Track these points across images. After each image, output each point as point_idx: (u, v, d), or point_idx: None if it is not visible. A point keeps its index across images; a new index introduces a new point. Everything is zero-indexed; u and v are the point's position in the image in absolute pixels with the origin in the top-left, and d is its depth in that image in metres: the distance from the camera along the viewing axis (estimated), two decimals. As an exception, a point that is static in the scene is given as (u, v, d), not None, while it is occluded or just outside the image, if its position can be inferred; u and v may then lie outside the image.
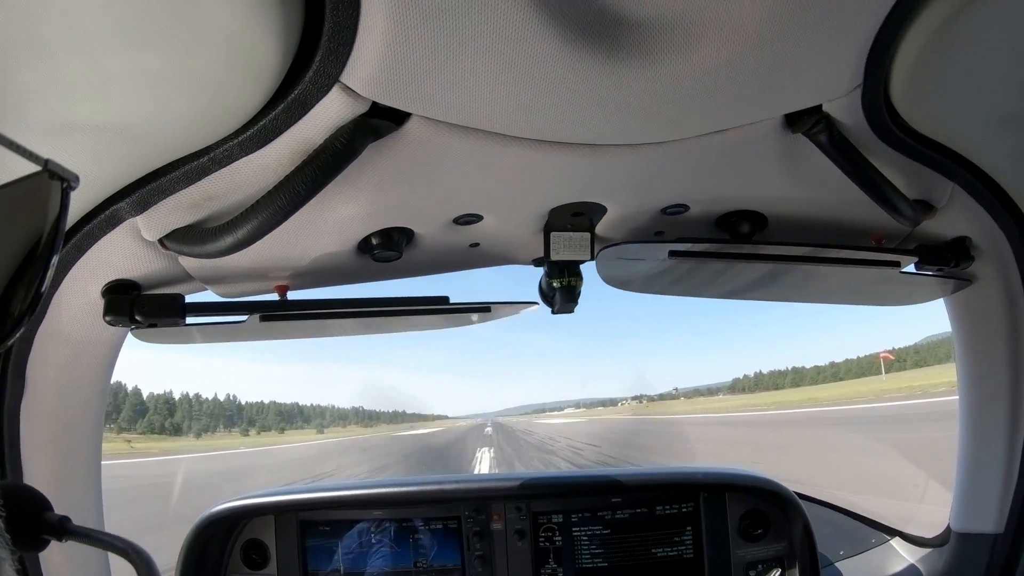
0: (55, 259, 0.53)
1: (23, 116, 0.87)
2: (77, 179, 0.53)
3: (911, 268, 1.66)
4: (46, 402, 1.51)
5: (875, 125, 1.19)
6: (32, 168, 0.51)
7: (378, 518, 2.31)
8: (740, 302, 1.93)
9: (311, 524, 2.30)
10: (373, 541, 2.30)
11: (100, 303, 1.45)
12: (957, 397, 1.96)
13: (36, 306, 0.52)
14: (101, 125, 0.95)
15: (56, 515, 1.07)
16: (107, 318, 1.44)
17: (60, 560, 1.57)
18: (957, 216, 1.55)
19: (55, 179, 0.52)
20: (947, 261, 1.62)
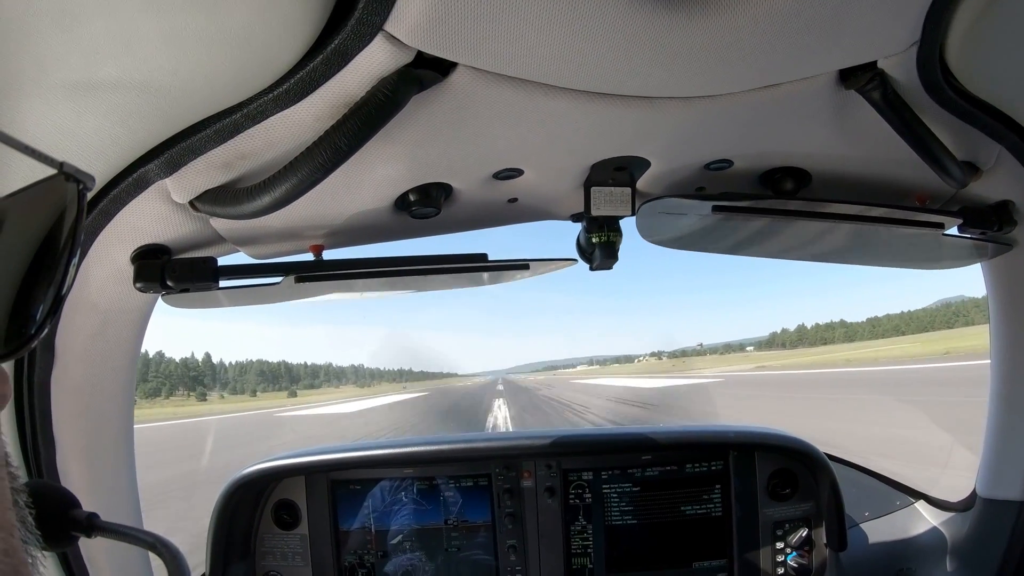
0: (75, 261, 0.53)
1: (46, 77, 0.84)
2: (93, 180, 0.53)
3: (953, 231, 1.65)
4: (76, 374, 1.51)
5: (928, 83, 1.17)
6: (48, 171, 0.51)
7: (409, 476, 2.33)
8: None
9: (342, 483, 2.33)
10: (404, 499, 2.34)
11: (129, 270, 1.43)
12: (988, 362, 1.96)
13: (58, 309, 0.52)
14: (127, 84, 0.92)
15: (84, 512, 1.08)
16: (138, 285, 1.42)
17: (100, 555, 1.59)
18: (1002, 180, 1.53)
19: (71, 181, 0.52)
20: (990, 225, 1.61)
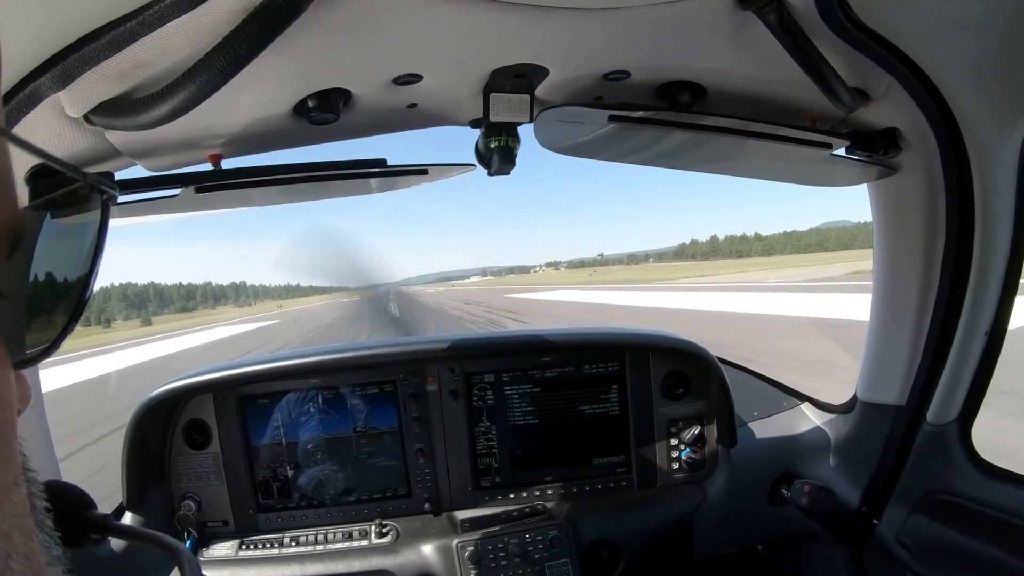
0: (98, 268, 0.52)
1: None
2: (118, 190, 0.53)
3: (841, 152, 1.73)
4: None
5: (824, 11, 1.20)
6: (73, 182, 0.52)
7: (316, 387, 2.37)
8: (682, 172, 1.96)
9: (250, 399, 2.35)
10: (311, 410, 2.37)
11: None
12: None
13: (79, 317, 0.51)
14: None
15: (100, 513, 1.08)
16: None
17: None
18: (890, 108, 1.60)
19: (95, 192, 0.52)
20: (876, 149, 1.69)
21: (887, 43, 1.33)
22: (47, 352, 0.51)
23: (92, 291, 0.52)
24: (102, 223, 0.53)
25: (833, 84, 1.38)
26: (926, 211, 1.80)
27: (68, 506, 1.05)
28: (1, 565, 0.39)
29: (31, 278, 0.50)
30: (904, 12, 1.26)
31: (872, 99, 1.56)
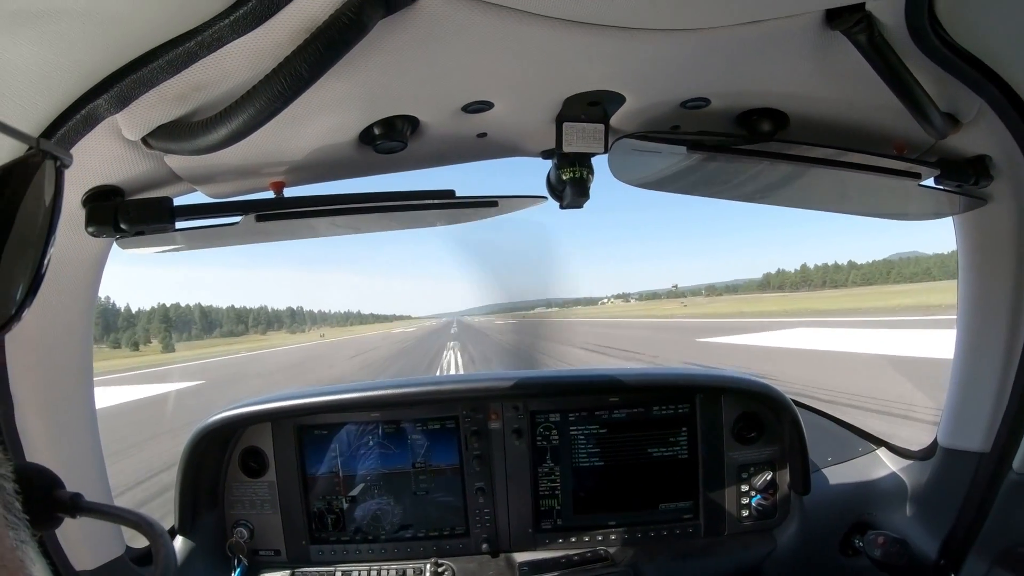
0: (53, 238, 0.52)
1: None
2: (71, 157, 0.52)
3: (929, 182, 1.65)
4: (29, 326, 1.47)
5: (914, 30, 1.15)
6: (22, 148, 0.50)
7: (376, 420, 2.33)
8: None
9: (308, 429, 2.33)
10: (371, 443, 2.34)
11: (81, 213, 1.37)
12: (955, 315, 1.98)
13: (37, 288, 0.52)
14: (70, 10, 0.85)
15: (68, 492, 1.07)
16: (89, 229, 1.36)
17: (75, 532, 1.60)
18: (981, 134, 1.52)
19: (48, 158, 0.51)
20: (967, 178, 1.60)
21: (979, 63, 1.26)
22: (8, 325, 0.50)
23: (48, 260, 0.51)
24: (56, 190, 0.51)
25: (925, 107, 1.31)
26: (1017, 244, 1.71)
27: (36, 487, 1.05)
28: None
29: None
30: (998, 31, 1.20)
31: (962, 124, 1.48)
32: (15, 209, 0.50)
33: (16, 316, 0.50)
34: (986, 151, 1.58)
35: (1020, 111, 1.41)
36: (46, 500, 1.04)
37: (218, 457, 2.31)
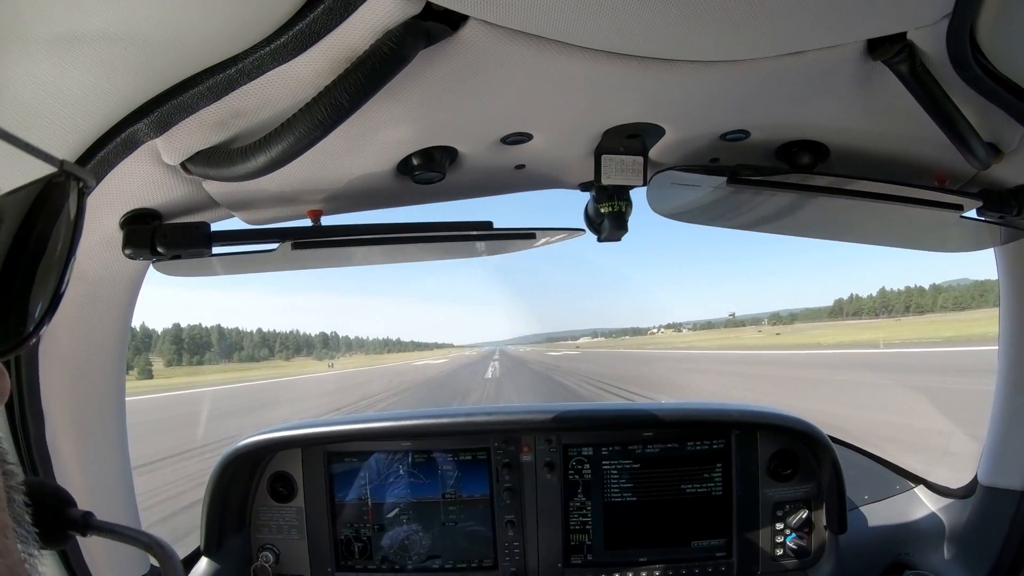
0: (74, 258, 0.53)
1: (26, 29, 0.80)
2: (94, 180, 0.53)
3: (972, 213, 1.62)
4: (64, 346, 1.49)
5: (956, 59, 1.13)
6: (48, 169, 0.51)
7: (407, 449, 2.33)
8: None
9: (338, 456, 2.33)
10: (401, 472, 2.33)
11: (118, 236, 1.39)
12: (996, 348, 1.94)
13: (56, 308, 0.53)
14: (113, 35, 0.86)
15: (79, 511, 1.07)
16: (127, 251, 1.38)
17: (99, 551, 1.59)
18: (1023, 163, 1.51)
19: (71, 179, 0.52)
20: (1010, 209, 1.58)
21: (1021, 92, 1.24)
22: (25, 342, 0.51)
23: (68, 281, 0.52)
24: (79, 211, 0.52)
25: (967, 137, 1.30)
26: None
27: (48, 504, 1.05)
28: None
29: (7, 268, 0.50)
30: None
31: (1004, 154, 1.46)
32: (38, 229, 0.51)
33: (33, 334, 0.50)
34: None
35: None
36: (57, 517, 1.05)
37: (247, 481, 2.31)
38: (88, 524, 1.07)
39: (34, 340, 0.51)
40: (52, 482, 1.09)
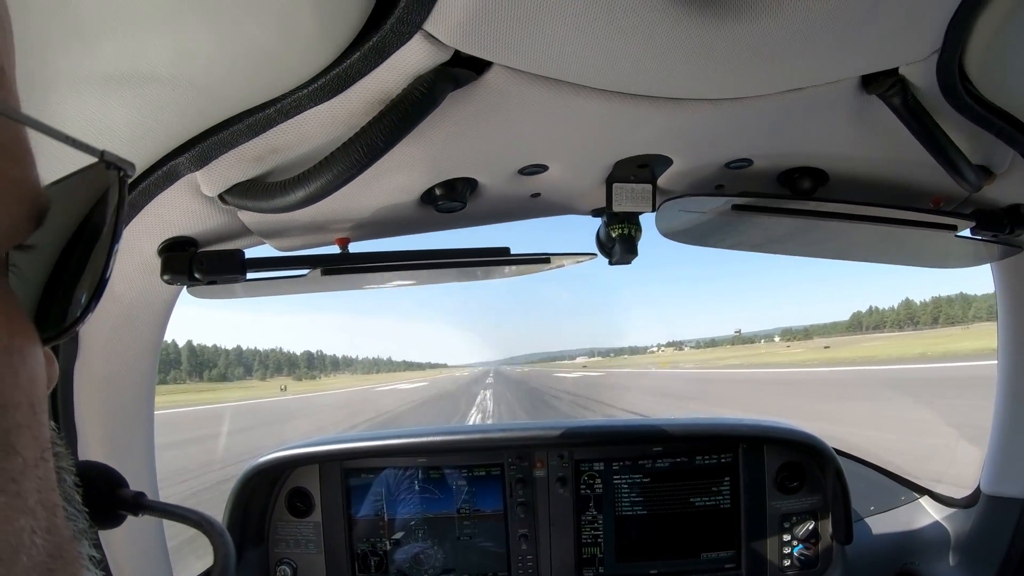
0: (117, 247, 0.53)
1: (79, 68, 0.84)
2: (134, 168, 0.55)
3: (966, 233, 1.68)
4: (98, 365, 1.52)
5: (946, 89, 1.18)
6: (89, 159, 0.52)
7: (422, 465, 2.36)
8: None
9: (355, 472, 2.36)
10: (416, 487, 2.37)
11: (156, 261, 1.44)
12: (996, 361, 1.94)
13: (101, 294, 0.53)
14: (162, 77, 0.91)
15: (131, 491, 1.08)
16: (165, 277, 1.43)
17: (122, 536, 1.61)
18: (1015, 183, 1.56)
19: (112, 169, 0.52)
20: (1002, 227, 1.64)
21: (1010, 117, 1.30)
22: (72, 328, 0.52)
23: (112, 268, 0.53)
24: (120, 200, 0.53)
25: (958, 163, 1.35)
26: None
27: (99, 484, 1.05)
28: (26, 539, 0.40)
29: (55, 256, 0.51)
30: None
31: (996, 176, 1.52)
32: (83, 217, 0.52)
33: (80, 320, 0.51)
34: (1020, 200, 1.62)
35: None
36: (109, 497, 1.05)
37: (266, 496, 2.35)
38: (139, 504, 1.08)
39: (80, 326, 0.52)
40: (103, 464, 1.13)
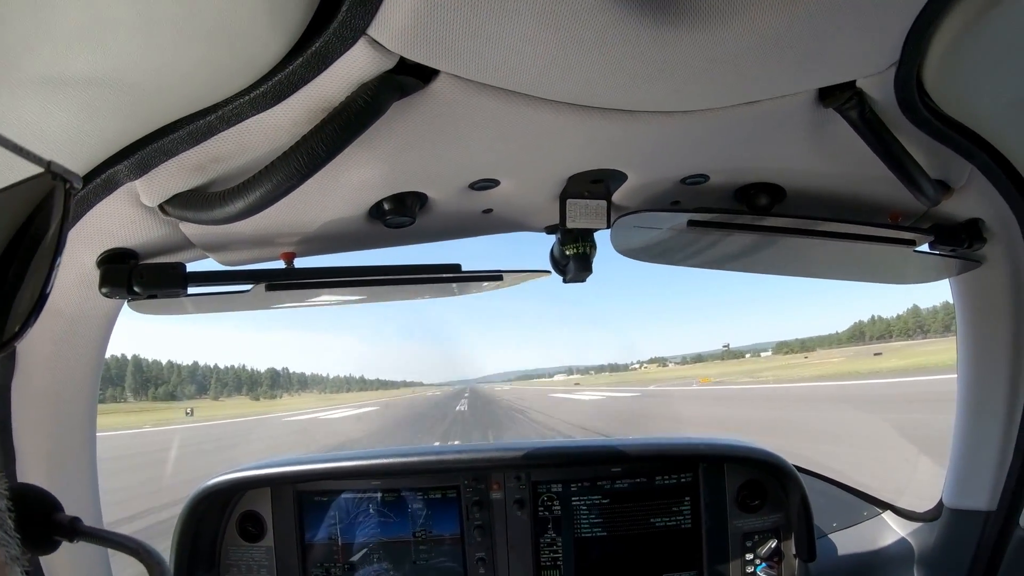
0: (59, 260, 0.52)
1: (14, 68, 0.81)
2: (80, 180, 0.52)
3: (924, 248, 1.68)
4: (38, 381, 1.47)
5: (904, 104, 1.18)
6: (35, 170, 0.51)
7: (376, 488, 2.31)
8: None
9: (308, 495, 2.31)
10: (371, 511, 2.32)
11: (95, 274, 1.39)
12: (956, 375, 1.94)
13: (42, 307, 0.52)
14: (98, 79, 0.88)
15: (67, 516, 1.06)
16: (103, 290, 1.38)
17: (64, 560, 1.56)
18: (972, 198, 1.57)
19: (58, 180, 0.52)
20: (960, 242, 1.64)
21: (967, 131, 1.31)
22: (9, 343, 0.51)
23: (53, 282, 0.52)
24: (64, 212, 0.52)
25: (916, 177, 1.35)
26: (1013, 303, 1.74)
27: (34, 508, 1.04)
28: None
29: None
30: (984, 98, 1.24)
31: (954, 190, 1.52)
32: (24, 229, 0.51)
33: (19, 335, 0.51)
34: (978, 215, 1.63)
35: (1010, 175, 1.45)
36: (44, 522, 1.04)
37: (216, 520, 2.28)
38: (75, 529, 1.06)
39: (19, 341, 0.51)
40: (38, 488, 1.08)
